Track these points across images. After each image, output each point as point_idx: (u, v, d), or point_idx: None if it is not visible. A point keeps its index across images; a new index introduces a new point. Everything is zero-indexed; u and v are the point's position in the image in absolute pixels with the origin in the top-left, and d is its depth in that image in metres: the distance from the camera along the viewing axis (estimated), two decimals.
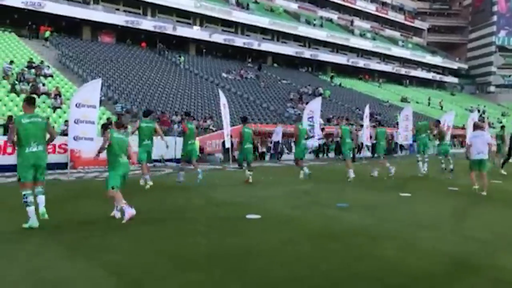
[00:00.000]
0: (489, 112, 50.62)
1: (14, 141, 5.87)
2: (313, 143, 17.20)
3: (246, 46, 43.44)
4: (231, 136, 16.81)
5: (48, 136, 6.14)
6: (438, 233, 5.95)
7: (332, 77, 48.01)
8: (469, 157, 9.46)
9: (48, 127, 6.17)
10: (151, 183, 9.65)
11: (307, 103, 22.47)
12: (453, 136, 29.12)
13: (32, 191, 5.81)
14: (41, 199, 5.91)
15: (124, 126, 7.12)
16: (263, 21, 45.66)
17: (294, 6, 54.59)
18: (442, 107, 46.62)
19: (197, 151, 12.77)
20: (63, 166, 12.63)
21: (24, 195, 5.74)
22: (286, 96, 33.94)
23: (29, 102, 6.21)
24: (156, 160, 16.37)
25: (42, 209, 5.86)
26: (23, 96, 18.90)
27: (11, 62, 21.86)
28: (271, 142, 22.01)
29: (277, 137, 21.19)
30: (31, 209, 5.72)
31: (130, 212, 6.04)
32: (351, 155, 19.29)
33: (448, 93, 63.11)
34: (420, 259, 4.70)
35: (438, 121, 15.27)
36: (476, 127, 9.90)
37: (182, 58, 36.11)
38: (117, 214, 6.27)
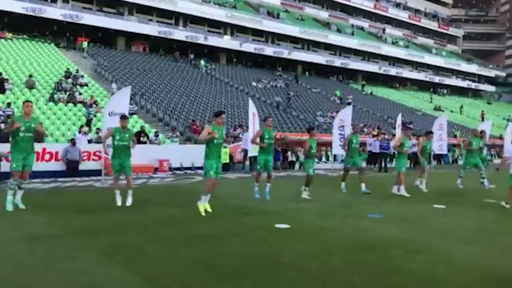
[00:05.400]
0: None
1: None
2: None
3: (276, 55, 43.63)
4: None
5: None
6: (475, 247, 5.75)
7: (363, 86, 47.50)
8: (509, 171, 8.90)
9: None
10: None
11: (337, 111, 22.29)
12: (490, 146, 28.18)
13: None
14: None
15: None
16: (294, 30, 45.76)
17: (324, 15, 54.51)
18: (483, 118, 42.89)
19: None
20: (97, 173, 12.96)
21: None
22: (316, 105, 33.79)
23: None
24: (187, 168, 16.61)
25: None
26: (60, 105, 19.61)
27: (94, 104, 20.29)
28: (242, 151, 18.23)
29: (246, 144, 16.84)
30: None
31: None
32: (384, 165, 19.00)
33: (484, 101, 61.23)
34: (456, 274, 4.55)
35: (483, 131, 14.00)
36: None
37: (203, 62, 36.64)
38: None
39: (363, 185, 10.68)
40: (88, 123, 17.83)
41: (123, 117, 8.69)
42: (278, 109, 29.61)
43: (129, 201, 8.19)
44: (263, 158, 9.37)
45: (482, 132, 13.60)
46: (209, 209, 7.54)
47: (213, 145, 7.49)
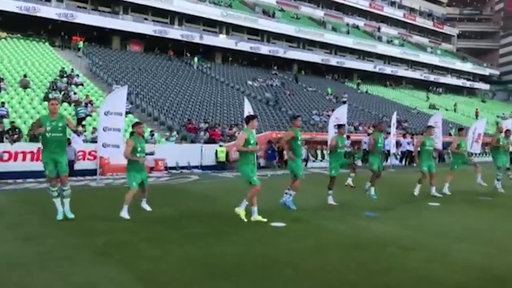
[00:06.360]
0: None
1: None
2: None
3: (272, 54, 43.58)
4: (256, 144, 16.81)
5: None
6: (470, 244, 5.78)
7: (358, 84, 47.59)
8: None
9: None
10: None
11: (333, 110, 22.31)
12: (485, 144, 28.30)
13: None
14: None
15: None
16: (289, 29, 45.71)
17: (320, 14, 54.53)
18: (477, 116, 42.90)
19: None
20: (92, 172, 12.91)
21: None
22: (312, 103, 33.82)
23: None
24: (183, 167, 16.58)
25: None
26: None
27: (89, 103, 20.18)
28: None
29: None
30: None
31: None
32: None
33: (479, 100, 61.50)
34: (451, 271, 4.57)
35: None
36: None
37: (196, 59, 36.74)
38: None
39: (372, 189, 9.82)
40: (79, 122, 17.64)
41: (139, 123, 7.67)
42: (269, 106, 29.69)
43: (148, 207, 7.42)
44: (297, 164, 8.07)
45: (508, 131, 12.48)
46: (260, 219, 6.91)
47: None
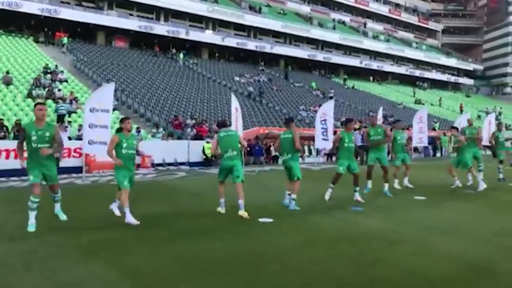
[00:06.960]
0: (505, 114, 49.86)
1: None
2: (327, 146, 17.07)
3: (258, 49, 43.57)
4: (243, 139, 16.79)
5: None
6: (455, 237, 5.86)
7: (345, 80, 47.83)
8: None
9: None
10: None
11: (319, 105, 22.38)
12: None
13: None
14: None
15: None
16: (276, 25, 45.73)
17: (306, 9, 54.64)
18: (461, 110, 43.57)
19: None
20: (78, 170, 12.77)
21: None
22: (299, 99, 33.90)
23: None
24: (170, 164, 16.49)
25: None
26: (39, 101, 19.21)
27: (74, 100, 20.06)
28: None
29: None
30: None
31: None
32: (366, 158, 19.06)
33: (463, 94, 62.33)
34: (437, 264, 4.64)
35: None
36: None
37: (182, 55, 36.56)
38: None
39: (386, 186, 9.68)
40: (59, 119, 17.34)
41: (126, 119, 7.16)
42: (255, 100, 29.70)
43: (117, 211, 7.03)
44: (296, 166, 8.15)
45: (500, 124, 12.99)
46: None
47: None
